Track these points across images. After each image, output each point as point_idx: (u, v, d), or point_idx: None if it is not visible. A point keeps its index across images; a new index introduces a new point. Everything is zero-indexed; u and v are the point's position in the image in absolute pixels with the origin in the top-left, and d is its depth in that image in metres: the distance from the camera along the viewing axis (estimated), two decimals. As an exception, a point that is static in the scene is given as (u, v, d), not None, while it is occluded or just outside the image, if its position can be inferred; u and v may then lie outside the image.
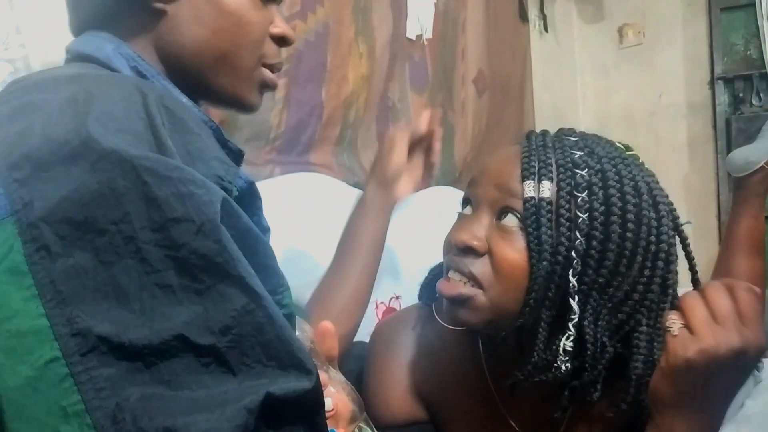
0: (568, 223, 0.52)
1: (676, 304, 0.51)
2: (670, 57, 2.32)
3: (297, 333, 0.43)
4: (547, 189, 0.53)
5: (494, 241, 0.54)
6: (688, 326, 0.47)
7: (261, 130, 1.09)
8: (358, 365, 0.72)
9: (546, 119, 2.17)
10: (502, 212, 0.55)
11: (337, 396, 0.46)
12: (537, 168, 0.54)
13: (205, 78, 0.52)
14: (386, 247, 1.09)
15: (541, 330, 0.53)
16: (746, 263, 1.28)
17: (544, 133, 0.59)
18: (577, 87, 2.49)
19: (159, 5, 0.50)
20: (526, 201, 0.53)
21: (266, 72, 0.55)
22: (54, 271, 0.33)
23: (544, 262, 0.52)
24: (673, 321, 0.49)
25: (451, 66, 1.64)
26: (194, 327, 0.33)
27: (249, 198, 0.42)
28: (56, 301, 0.32)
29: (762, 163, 1.37)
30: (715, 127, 2.22)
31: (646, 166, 0.59)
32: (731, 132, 2.16)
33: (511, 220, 0.54)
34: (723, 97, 2.21)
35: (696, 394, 0.47)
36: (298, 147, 1.17)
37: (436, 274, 0.68)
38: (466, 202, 0.59)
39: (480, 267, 0.54)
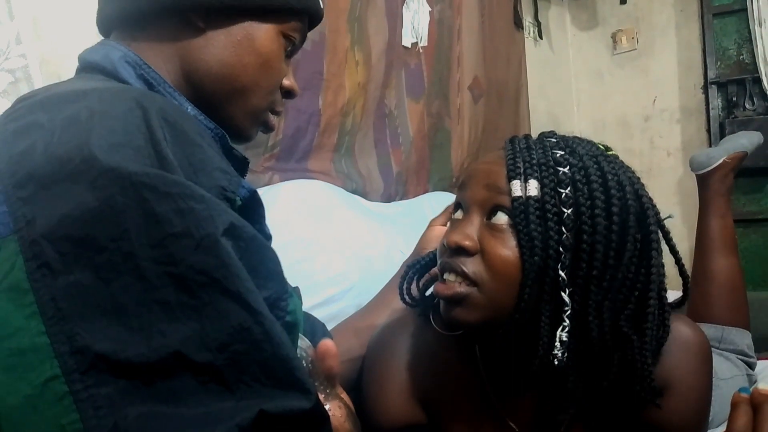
0: (555, 218, 0.54)
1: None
2: (664, 62, 2.34)
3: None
4: (534, 187, 0.54)
5: (486, 239, 0.55)
6: None
7: (259, 138, 1.09)
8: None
9: (541, 125, 2.18)
10: (492, 211, 0.56)
11: (332, 416, 0.44)
12: (522, 168, 0.55)
13: (217, 101, 0.53)
14: (390, 253, 1.10)
15: (543, 325, 0.54)
16: (724, 262, 1.29)
17: (527, 136, 0.61)
18: (572, 93, 2.50)
19: (201, 24, 0.51)
20: (514, 200, 0.55)
21: (271, 116, 0.58)
22: (55, 288, 0.33)
23: (536, 258, 0.53)
24: None
25: (447, 73, 1.65)
26: (191, 344, 0.33)
27: (251, 207, 0.42)
28: (57, 318, 0.32)
29: (723, 158, 1.38)
30: (709, 130, 2.24)
31: (626, 165, 0.60)
32: (725, 135, 2.17)
33: (501, 218, 0.55)
34: (716, 101, 2.22)
35: None
36: (297, 154, 1.18)
37: (416, 272, 0.70)
38: (457, 206, 0.61)
39: (473, 266, 0.55)
